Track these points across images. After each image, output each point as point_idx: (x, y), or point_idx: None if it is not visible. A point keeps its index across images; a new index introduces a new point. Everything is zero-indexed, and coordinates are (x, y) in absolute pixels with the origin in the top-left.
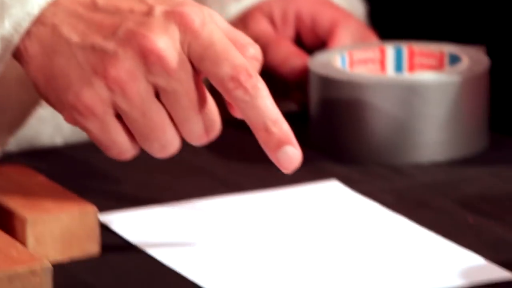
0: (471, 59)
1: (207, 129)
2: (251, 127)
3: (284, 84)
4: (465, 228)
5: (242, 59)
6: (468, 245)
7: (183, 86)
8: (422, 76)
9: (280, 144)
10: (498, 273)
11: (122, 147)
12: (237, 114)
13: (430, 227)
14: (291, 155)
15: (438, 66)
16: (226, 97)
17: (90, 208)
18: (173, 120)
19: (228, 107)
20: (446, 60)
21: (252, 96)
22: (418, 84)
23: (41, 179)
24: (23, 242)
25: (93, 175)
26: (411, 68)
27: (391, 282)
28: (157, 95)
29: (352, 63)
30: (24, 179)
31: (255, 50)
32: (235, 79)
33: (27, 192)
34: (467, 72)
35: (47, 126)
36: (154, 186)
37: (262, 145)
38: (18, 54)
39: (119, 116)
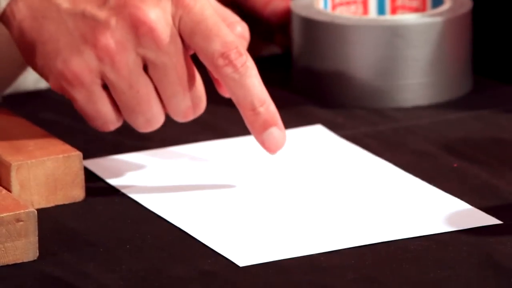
0: (454, 1)
1: (193, 106)
2: (238, 106)
3: (267, 27)
4: (449, 172)
5: (232, 37)
6: (452, 190)
7: (172, 60)
8: (404, 17)
9: (266, 125)
10: (484, 218)
11: (107, 118)
12: (225, 92)
13: (414, 172)
14: (276, 136)
15: (421, 9)
16: (214, 74)
17: (75, 153)
18: (159, 95)
19: (215, 85)
20: (429, 2)
21: (241, 74)
22: (401, 25)
23: (25, 123)
24: (7, 188)
25: (78, 120)
26: (394, 10)
27: (375, 228)
28: (146, 69)
29: (334, 5)
30: (8, 124)
31: (242, 29)
32: (225, 56)
33: (12, 137)
34: (450, 13)
35: (31, 72)
36: (139, 131)
37: (248, 125)
38: (5, 18)
39: (106, 87)
